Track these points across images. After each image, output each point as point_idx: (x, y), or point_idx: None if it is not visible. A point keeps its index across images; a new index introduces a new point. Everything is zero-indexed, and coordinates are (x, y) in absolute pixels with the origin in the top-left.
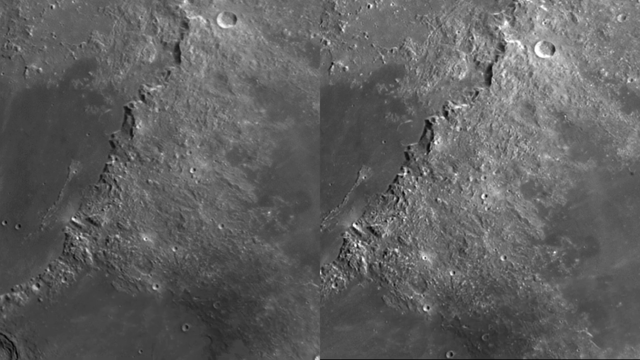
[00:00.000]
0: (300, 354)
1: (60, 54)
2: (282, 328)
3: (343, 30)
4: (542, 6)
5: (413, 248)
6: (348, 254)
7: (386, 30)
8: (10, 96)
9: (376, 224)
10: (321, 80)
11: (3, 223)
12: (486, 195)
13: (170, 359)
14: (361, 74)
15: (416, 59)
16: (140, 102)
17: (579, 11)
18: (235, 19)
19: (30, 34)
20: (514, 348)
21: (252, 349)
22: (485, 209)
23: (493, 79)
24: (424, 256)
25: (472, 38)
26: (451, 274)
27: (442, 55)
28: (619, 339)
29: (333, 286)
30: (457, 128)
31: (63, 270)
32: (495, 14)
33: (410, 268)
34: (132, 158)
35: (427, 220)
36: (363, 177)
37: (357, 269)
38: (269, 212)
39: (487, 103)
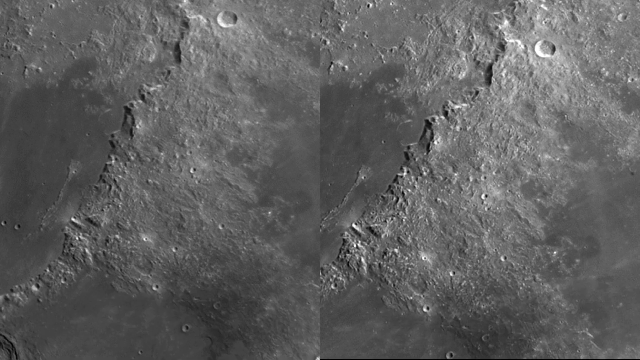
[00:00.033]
0: (301, 354)
1: (60, 54)
2: (282, 329)
3: (342, 29)
4: (542, 5)
5: (413, 248)
6: (347, 255)
7: (386, 29)
8: (9, 96)
9: (376, 224)
10: (320, 80)
11: (2, 223)
12: (486, 196)
13: None
14: (361, 74)
15: (416, 59)
16: (140, 101)
17: (580, 10)
18: (235, 18)
19: (30, 33)
20: (514, 349)
21: (253, 349)
22: (485, 209)
23: (493, 79)
24: (423, 256)
25: (472, 37)
26: (451, 274)
27: (442, 54)
28: (620, 340)
29: (332, 287)
30: (457, 128)
31: (62, 271)
32: (495, 13)
33: (410, 268)
34: (132, 158)
35: (426, 220)
36: (362, 177)
37: (356, 269)
38: (269, 213)
39: (487, 103)
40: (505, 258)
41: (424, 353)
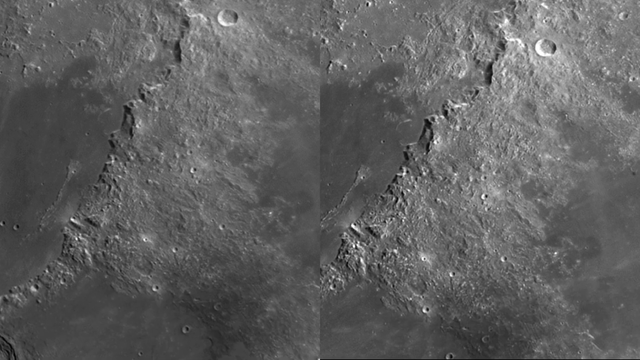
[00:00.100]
0: (302, 356)
1: (59, 53)
2: (283, 330)
3: (341, 28)
4: (543, 4)
5: (412, 249)
6: (346, 255)
7: (385, 28)
8: (8, 95)
9: (375, 225)
10: (320, 79)
11: (1, 224)
12: (486, 196)
13: None
14: (360, 73)
15: (415, 58)
16: (140, 101)
17: (580, 9)
18: (236, 17)
19: (29, 32)
20: (515, 350)
21: (253, 351)
22: (486, 209)
23: (493, 78)
24: (423, 257)
25: (472, 36)
26: (451, 275)
27: (441, 53)
28: (621, 341)
29: (331, 287)
30: (457, 127)
31: (62, 272)
32: (495, 11)
33: (409, 269)
34: (131, 158)
35: (426, 220)
36: (362, 177)
37: (355, 270)
38: (270, 213)
39: (487, 102)
40: (505, 259)
41: (423, 354)
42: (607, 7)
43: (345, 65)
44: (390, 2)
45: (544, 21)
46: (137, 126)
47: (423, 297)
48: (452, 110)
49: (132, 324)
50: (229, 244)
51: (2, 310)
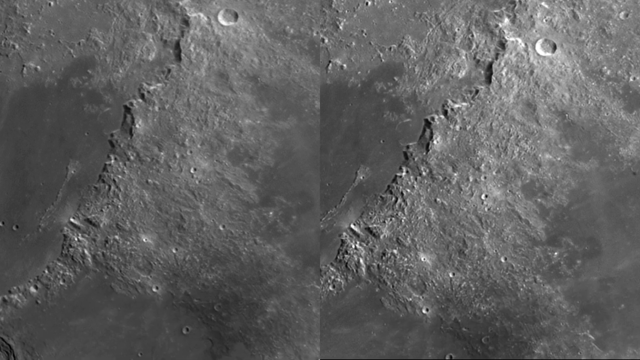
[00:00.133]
0: (302, 356)
1: (59, 52)
2: (284, 331)
3: (341, 27)
4: (543, 3)
5: (412, 249)
6: (346, 255)
7: (385, 27)
8: (7, 95)
9: (374, 225)
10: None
11: (1, 224)
12: (486, 196)
13: None
14: (359, 72)
15: (415, 57)
16: (140, 100)
17: (581, 8)
18: (236, 16)
19: (28, 31)
20: (515, 351)
21: (254, 352)
22: (486, 209)
23: (493, 78)
24: (423, 257)
25: (472, 36)
26: (451, 275)
27: (441, 53)
28: (622, 342)
29: (331, 288)
30: (457, 127)
31: (61, 272)
32: (495, 11)
33: (409, 269)
34: (131, 158)
35: (426, 221)
36: (361, 177)
37: (355, 270)
38: (270, 213)
39: (488, 102)
40: (505, 259)
41: (423, 355)
42: (608, 6)
43: (344, 65)
44: (389, 2)
45: (544, 20)
46: (137, 126)
47: (423, 297)
48: (452, 110)
49: (132, 324)
50: (229, 245)
51: (2, 310)
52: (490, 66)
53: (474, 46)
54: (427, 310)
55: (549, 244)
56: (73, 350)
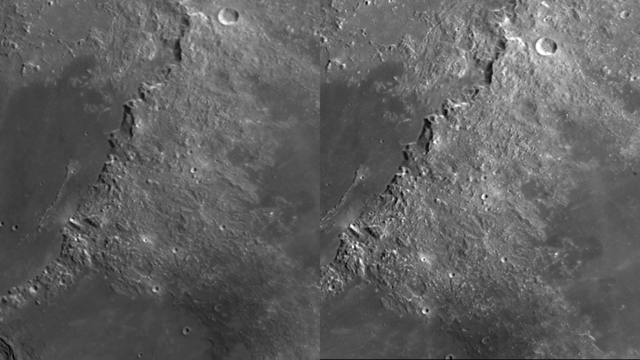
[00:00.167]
0: (303, 357)
1: (58, 52)
2: (284, 331)
3: (340, 27)
4: (543, 2)
5: (412, 249)
6: (345, 256)
7: (384, 27)
8: (7, 94)
9: (374, 225)
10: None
11: (0, 224)
12: (486, 196)
13: None
14: (359, 72)
15: (415, 57)
16: (140, 100)
17: (581, 8)
18: (236, 15)
19: (28, 31)
20: (515, 352)
21: (254, 352)
22: (486, 209)
23: (493, 77)
24: (422, 258)
25: (472, 35)
26: (450, 276)
27: (441, 52)
28: (622, 343)
29: (330, 288)
30: (457, 127)
31: (61, 272)
32: (495, 10)
33: (408, 270)
34: (131, 158)
35: (426, 221)
36: (361, 177)
37: (354, 270)
38: (271, 213)
39: (488, 101)
40: (505, 259)
41: (423, 356)
42: (608, 5)
43: (344, 65)
44: (389, 1)
45: (544, 20)
46: (137, 126)
47: (422, 298)
48: (452, 109)
49: (132, 325)
50: (229, 245)
51: (1, 311)
52: (490, 66)
53: (474, 45)
54: (426, 310)
55: (550, 245)
56: (73, 351)
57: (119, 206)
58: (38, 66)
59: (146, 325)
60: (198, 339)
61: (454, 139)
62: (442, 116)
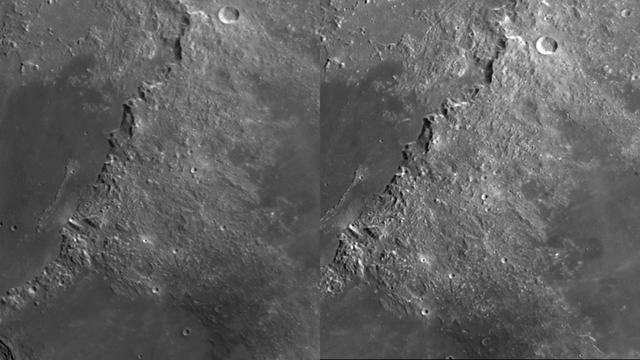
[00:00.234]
0: (304, 359)
1: (57, 50)
2: (285, 332)
3: (339, 25)
4: (544, 1)
5: (411, 250)
6: (344, 256)
7: (383, 26)
8: (5, 94)
9: (373, 225)
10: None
11: None
12: (486, 196)
13: None
14: (358, 71)
15: (414, 56)
16: (140, 99)
17: (582, 6)
18: (237, 14)
19: (27, 29)
20: (515, 353)
21: (255, 354)
22: (486, 209)
23: (493, 76)
24: (422, 258)
25: (472, 34)
26: (450, 276)
27: (441, 51)
28: (623, 344)
29: (329, 289)
30: (457, 126)
31: (60, 273)
32: (495, 9)
33: (408, 271)
34: (131, 157)
35: (425, 221)
36: (360, 177)
37: (353, 271)
38: (272, 213)
39: (488, 101)
40: (505, 260)
41: (422, 357)
42: (610, 4)
43: (343, 64)
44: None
45: (545, 18)
46: (137, 125)
47: (422, 299)
48: (452, 109)
49: (132, 326)
50: (230, 245)
51: (0, 312)
52: (490, 65)
53: (474, 44)
54: (426, 311)
55: (550, 245)
56: (72, 352)
57: (118, 206)
58: (37, 65)
59: (146, 326)
60: (198, 340)
61: (454, 138)
62: (441, 116)
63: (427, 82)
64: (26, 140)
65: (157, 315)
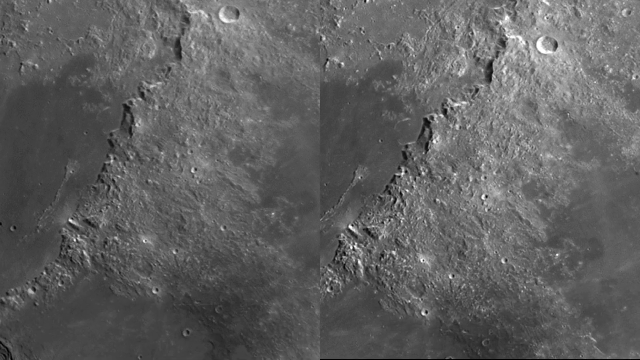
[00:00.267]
0: (304, 359)
1: (57, 50)
2: (286, 333)
3: (338, 25)
4: (544, 0)
5: (411, 250)
6: (344, 257)
7: (383, 25)
8: (5, 93)
9: (373, 226)
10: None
11: None
12: (486, 196)
13: None
14: (357, 71)
15: (414, 55)
16: (140, 99)
17: (583, 5)
18: (237, 13)
19: (26, 29)
20: (515, 354)
21: (255, 355)
22: (486, 210)
23: (493, 76)
24: (422, 259)
25: (472, 33)
26: (450, 277)
27: (440, 51)
28: (624, 345)
29: (328, 290)
30: (457, 126)
31: (60, 274)
32: (495, 8)
33: (407, 271)
34: (131, 157)
35: (425, 221)
36: (359, 177)
37: (353, 272)
38: (272, 213)
39: (488, 100)
40: (506, 260)
41: (422, 358)
42: (610, 3)
43: (342, 63)
44: None
45: (545, 18)
46: (137, 125)
47: (422, 299)
48: (452, 108)
49: (132, 327)
50: (230, 246)
51: None
52: (490, 64)
53: (473, 44)
54: (426, 312)
55: (550, 245)
56: (72, 353)
57: (118, 206)
58: (36, 65)
59: (146, 327)
60: (198, 341)
61: (454, 138)
62: (441, 115)
63: (426, 82)
64: (26, 140)
65: (157, 315)
